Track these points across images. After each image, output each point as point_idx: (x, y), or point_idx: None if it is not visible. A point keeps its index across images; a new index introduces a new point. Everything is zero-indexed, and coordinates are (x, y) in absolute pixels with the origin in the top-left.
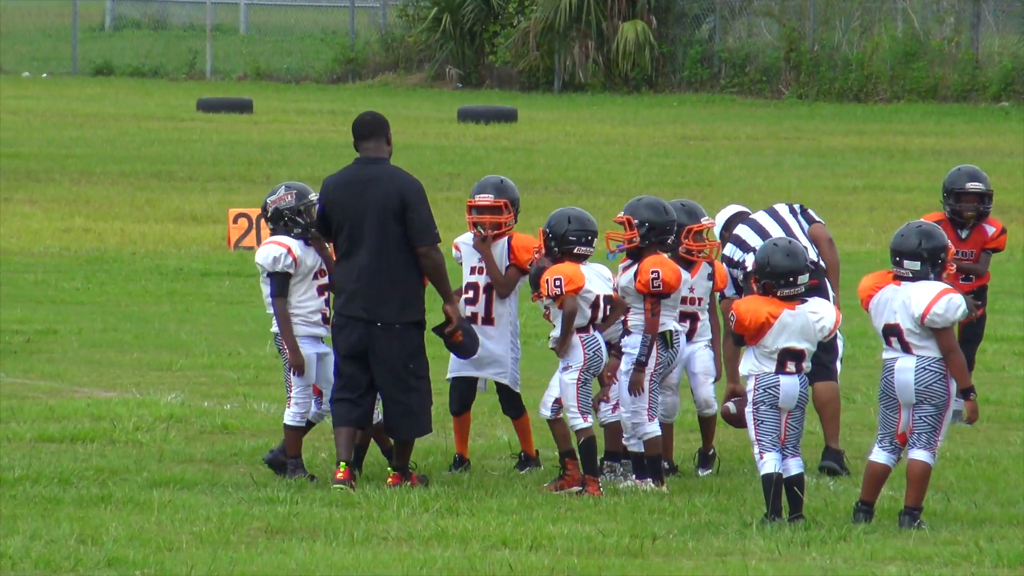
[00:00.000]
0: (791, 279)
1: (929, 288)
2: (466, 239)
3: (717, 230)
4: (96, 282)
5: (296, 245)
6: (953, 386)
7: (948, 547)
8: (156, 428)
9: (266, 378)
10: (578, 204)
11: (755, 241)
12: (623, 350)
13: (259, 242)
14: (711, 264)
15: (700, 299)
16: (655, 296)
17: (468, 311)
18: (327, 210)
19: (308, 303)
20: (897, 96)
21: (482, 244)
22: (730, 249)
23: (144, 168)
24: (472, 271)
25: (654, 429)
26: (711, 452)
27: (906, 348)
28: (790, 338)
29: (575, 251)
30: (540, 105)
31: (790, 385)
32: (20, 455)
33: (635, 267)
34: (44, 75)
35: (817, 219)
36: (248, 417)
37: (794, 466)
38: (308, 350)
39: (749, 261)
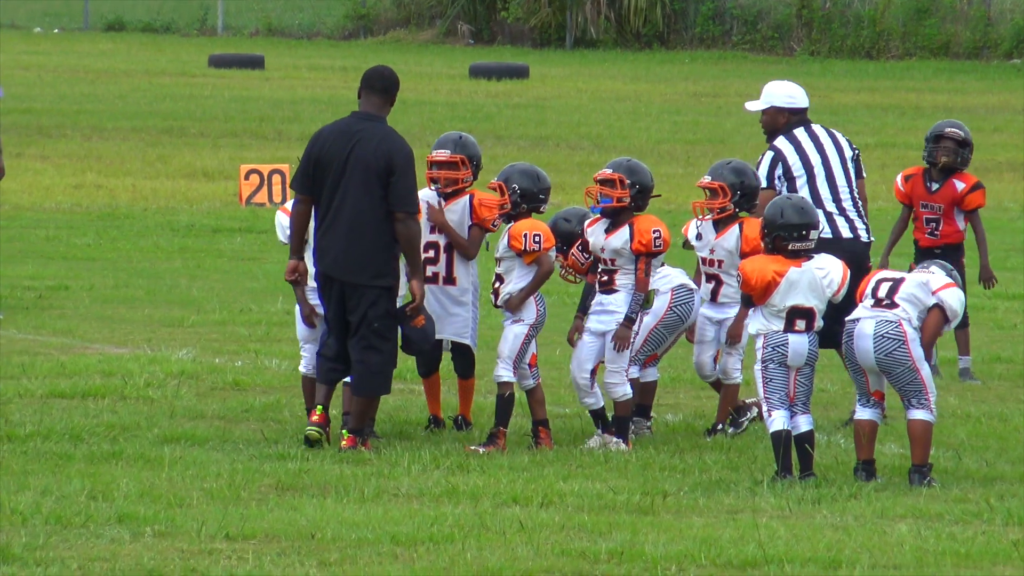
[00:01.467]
0: (803, 232)
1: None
2: (427, 196)
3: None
4: (108, 238)
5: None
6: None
7: (959, 505)
8: (167, 384)
9: (277, 334)
10: (590, 161)
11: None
12: (605, 308)
13: (270, 199)
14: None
15: (721, 261)
16: (652, 255)
17: (429, 271)
18: (316, 159)
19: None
20: (909, 53)
21: (437, 214)
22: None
23: (156, 124)
24: (432, 229)
25: (628, 391)
26: (719, 426)
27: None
28: (798, 296)
29: (541, 209)
30: (552, 61)
31: (799, 343)
32: (31, 411)
33: (626, 227)
34: (55, 31)
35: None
36: (259, 373)
37: (804, 423)
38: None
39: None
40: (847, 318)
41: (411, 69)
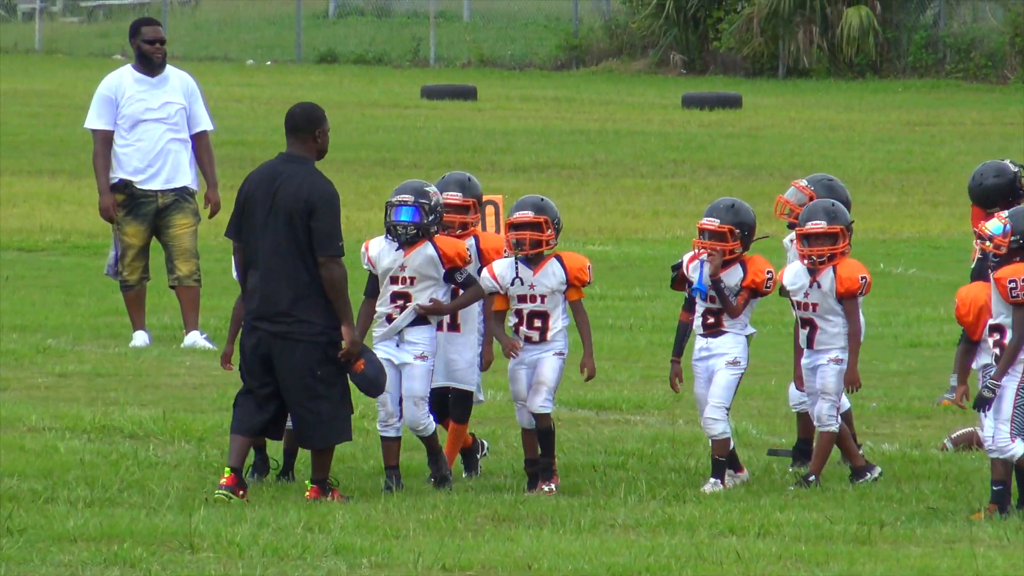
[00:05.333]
0: None
1: None
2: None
3: None
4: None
5: (376, 243)
6: None
7: None
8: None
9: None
10: None
11: None
12: (713, 353)
13: (483, 228)
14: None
15: (815, 304)
16: (758, 295)
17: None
18: (242, 203)
19: (379, 306)
20: None
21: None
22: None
23: (368, 156)
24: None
25: (726, 429)
26: (812, 477)
27: None
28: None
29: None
30: (764, 91)
31: None
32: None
33: (738, 265)
34: (268, 63)
35: None
36: (475, 405)
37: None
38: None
39: None
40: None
41: (623, 99)
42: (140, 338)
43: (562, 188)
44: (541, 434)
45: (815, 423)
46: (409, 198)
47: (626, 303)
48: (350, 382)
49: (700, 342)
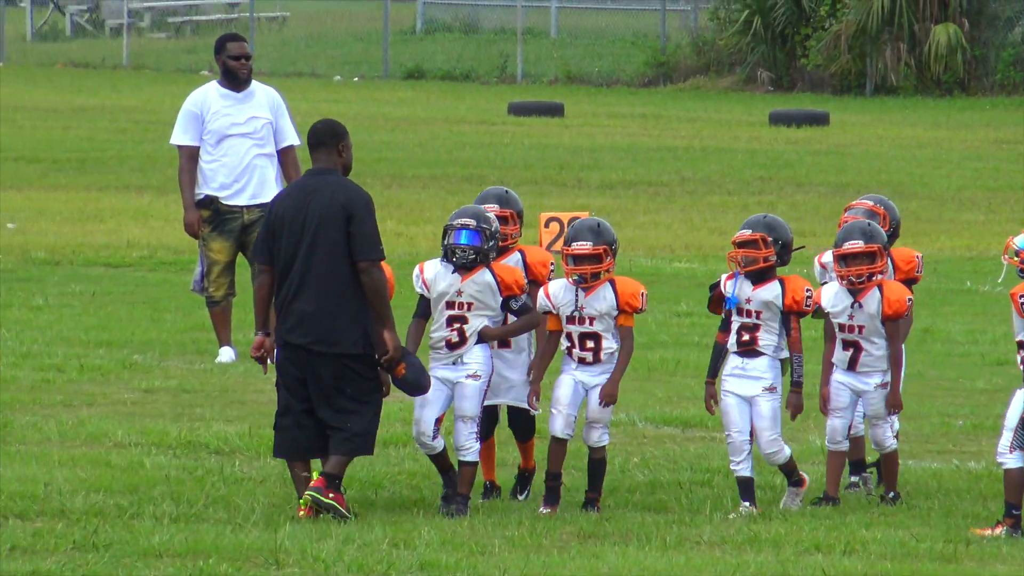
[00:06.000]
0: None
1: None
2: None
3: None
4: (408, 286)
5: (431, 266)
6: None
7: None
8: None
9: None
10: None
11: None
12: (748, 374)
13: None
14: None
15: (862, 327)
16: (800, 315)
17: None
18: (273, 225)
19: (434, 332)
20: None
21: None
22: None
23: (455, 172)
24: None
25: (788, 453)
26: (892, 494)
27: None
28: None
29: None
30: (852, 108)
31: None
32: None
33: (776, 282)
34: (355, 79)
35: None
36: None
37: None
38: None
39: None
40: None
41: (711, 116)
42: (226, 354)
43: (648, 205)
44: (593, 465)
45: (875, 447)
46: (471, 222)
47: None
48: (392, 387)
49: (735, 360)
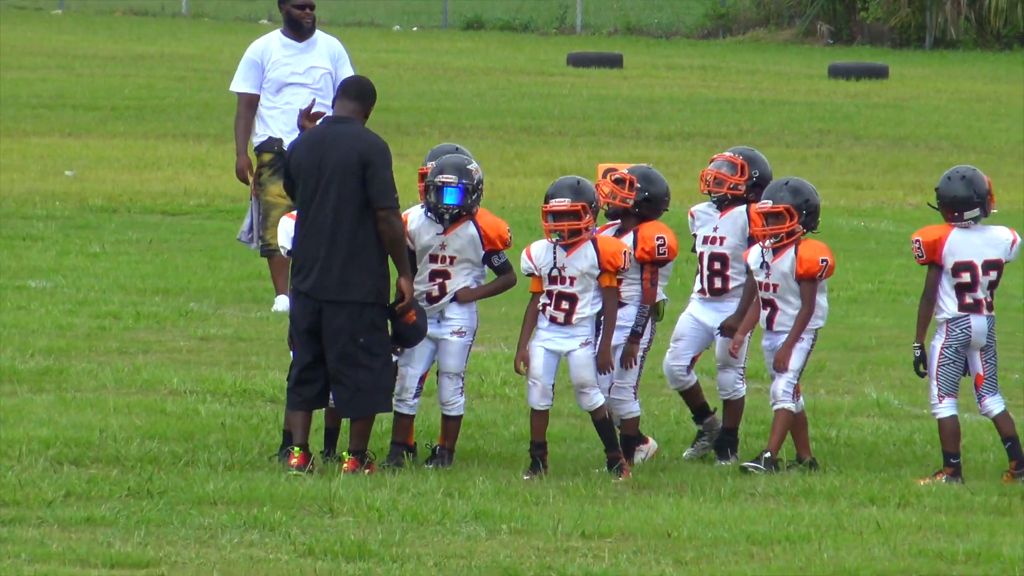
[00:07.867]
0: None
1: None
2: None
3: None
4: None
5: (415, 216)
6: None
7: None
8: (523, 383)
9: None
10: (949, 161)
11: None
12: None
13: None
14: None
15: (776, 285)
16: (657, 264)
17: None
18: (293, 169)
19: (416, 285)
20: None
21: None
22: None
23: (514, 122)
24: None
25: (636, 408)
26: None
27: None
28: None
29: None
30: (911, 62)
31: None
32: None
33: (631, 234)
34: (414, 29)
35: None
36: None
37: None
38: None
39: None
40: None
41: (770, 68)
42: (282, 303)
43: (706, 157)
44: (599, 427)
45: (771, 401)
46: (453, 179)
47: None
48: (391, 331)
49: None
